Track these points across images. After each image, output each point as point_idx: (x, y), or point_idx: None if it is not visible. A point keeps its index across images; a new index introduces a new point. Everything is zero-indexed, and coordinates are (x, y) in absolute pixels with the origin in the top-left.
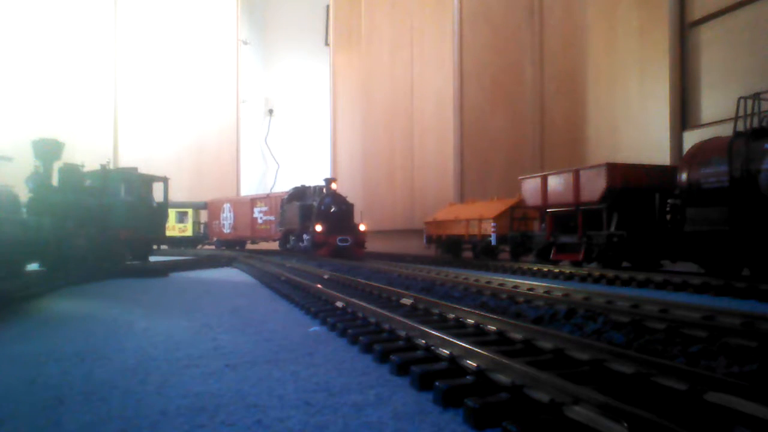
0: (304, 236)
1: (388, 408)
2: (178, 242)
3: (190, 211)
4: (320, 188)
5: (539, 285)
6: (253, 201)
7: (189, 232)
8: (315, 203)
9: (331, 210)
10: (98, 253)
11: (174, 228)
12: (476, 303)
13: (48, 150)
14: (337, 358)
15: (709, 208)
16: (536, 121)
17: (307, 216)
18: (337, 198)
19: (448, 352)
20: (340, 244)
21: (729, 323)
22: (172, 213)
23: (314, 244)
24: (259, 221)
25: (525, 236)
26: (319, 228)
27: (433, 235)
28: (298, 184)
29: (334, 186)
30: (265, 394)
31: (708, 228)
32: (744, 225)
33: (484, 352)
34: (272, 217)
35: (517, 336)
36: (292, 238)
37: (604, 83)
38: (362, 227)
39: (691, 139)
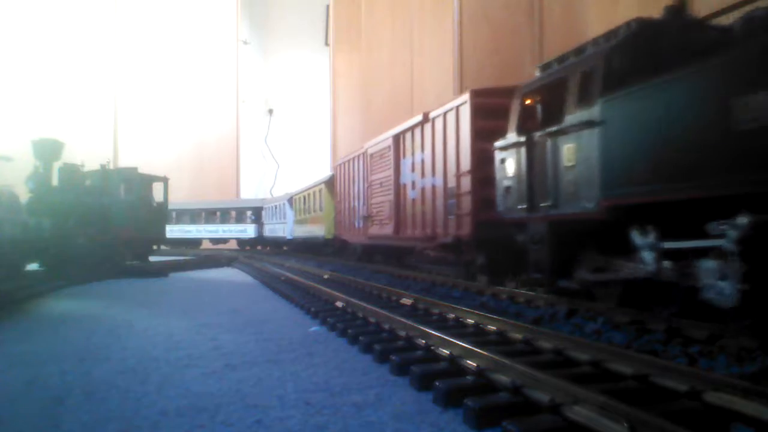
0: None
1: (388, 408)
2: None
3: None
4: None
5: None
6: (397, 140)
7: None
8: None
9: None
10: (98, 253)
11: None
12: (476, 303)
13: (48, 150)
14: (337, 358)
15: None
16: None
17: None
18: None
19: (448, 352)
20: None
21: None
22: None
23: None
24: (411, 195)
25: None
26: None
27: None
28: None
29: None
30: (265, 394)
31: None
32: None
33: (484, 352)
34: (437, 180)
35: (517, 336)
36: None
37: None
38: None
39: None
